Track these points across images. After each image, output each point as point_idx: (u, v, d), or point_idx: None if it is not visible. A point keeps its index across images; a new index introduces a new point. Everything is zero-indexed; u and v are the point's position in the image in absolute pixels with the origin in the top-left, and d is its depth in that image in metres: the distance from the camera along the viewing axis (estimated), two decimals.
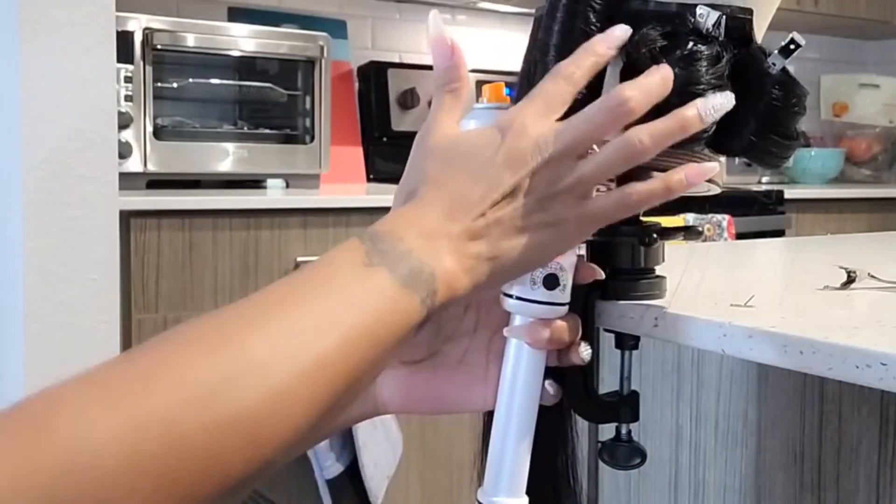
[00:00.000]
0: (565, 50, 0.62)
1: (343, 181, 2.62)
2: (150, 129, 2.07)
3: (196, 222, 1.93)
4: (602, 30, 0.62)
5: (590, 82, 0.61)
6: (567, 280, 0.64)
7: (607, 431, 0.71)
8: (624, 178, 0.69)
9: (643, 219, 0.69)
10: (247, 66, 2.35)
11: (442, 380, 0.67)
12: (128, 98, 2.02)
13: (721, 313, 0.65)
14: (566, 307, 0.64)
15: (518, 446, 0.65)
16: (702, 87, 0.59)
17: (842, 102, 3.53)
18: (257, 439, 0.46)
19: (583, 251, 0.71)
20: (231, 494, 0.46)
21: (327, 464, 1.97)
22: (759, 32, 0.63)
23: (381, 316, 0.52)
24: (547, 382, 0.65)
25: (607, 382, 0.74)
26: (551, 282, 0.63)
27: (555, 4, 0.63)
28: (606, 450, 0.70)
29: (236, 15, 2.61)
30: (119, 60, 1.82)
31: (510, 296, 0.64)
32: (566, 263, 0.63)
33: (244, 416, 0.45)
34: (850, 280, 0.80)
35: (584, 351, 0.65)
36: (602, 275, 0.66)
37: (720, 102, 0.59)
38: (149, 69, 2.06)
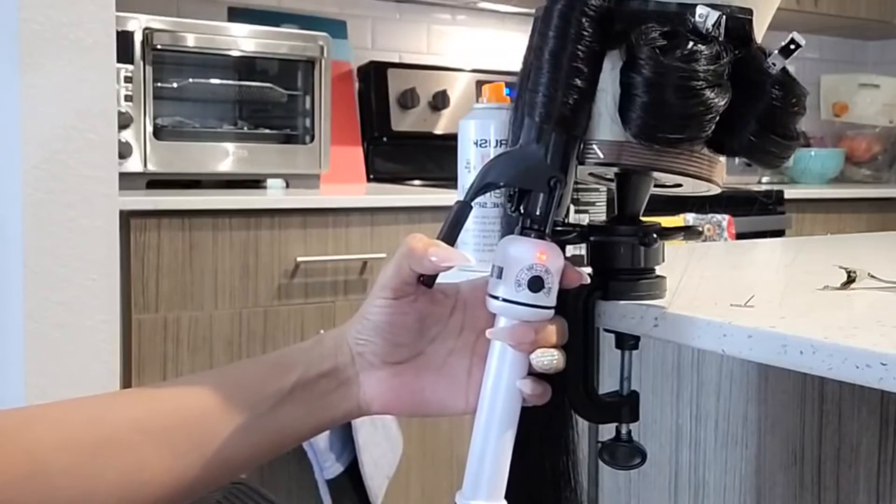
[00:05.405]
0: (560, 55, 0.62)
1: (343, 181, 2.62)
2: (150, 129, 2.07)
3: (196, 222, 1.93)
4: (595, 35, 0.62)
5: (588, 75, 0.61)
6: (553, 283, 0.63)
7: (607, 431, 0.70)
8: (624, 178, 0.69)
9: (643, 219, 0.69)
10: (247, 66, 2.35)
11: (425, 382, 0.66)
12: (128, 98, 2.02)
13: (721, 313, 0.65)
14: (551, 311, 0.64)
15: (499, 450, 0.64)
16: (701, 85, 0.59)
17: (842, 102, 3.53)
18: None
19: (582, 251, 0.71)
20: None
21: (327, 464, 1.96)
22: (759, 32, 0.63)
23: None
24: (520, 382, 0.64)
25: (607, 382, 0.74)
26: (536, 284, 0.62)
27: (550, 9, 0.63)
28: (606, 450, 0.70)
29: (236, 15, 2.61)
30: (119, 60, 1.82)
31: (496, 297, 0.63)
32: (553, 267, 0.63)
33: None
34: (850, 280, 0.80)
35: (541, 357, 0.63)
36: (587, 280, 0.66)
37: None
38: (149, 69, 2.06)
